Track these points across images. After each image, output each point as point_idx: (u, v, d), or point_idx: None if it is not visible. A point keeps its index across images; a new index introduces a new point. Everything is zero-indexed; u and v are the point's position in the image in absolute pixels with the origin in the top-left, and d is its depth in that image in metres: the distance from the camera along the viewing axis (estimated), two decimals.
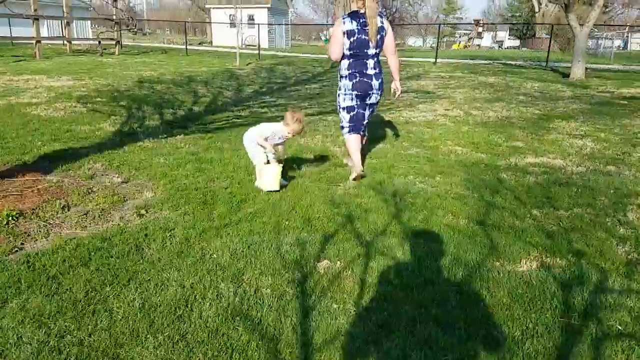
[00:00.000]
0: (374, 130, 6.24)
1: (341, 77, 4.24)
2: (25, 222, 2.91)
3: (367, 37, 4.01)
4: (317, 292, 2.38)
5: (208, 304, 2.24)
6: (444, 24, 30.91)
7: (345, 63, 4.16)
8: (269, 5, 33.31)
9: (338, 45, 4.07)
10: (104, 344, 1.92)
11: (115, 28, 19.73)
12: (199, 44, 34.94)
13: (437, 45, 19.70)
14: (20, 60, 14.68)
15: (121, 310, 2.15)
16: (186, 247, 2.76)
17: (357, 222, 3.24)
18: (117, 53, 19.04)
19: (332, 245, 2.88)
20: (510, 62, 20.02)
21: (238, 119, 6.98)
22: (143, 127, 6.05)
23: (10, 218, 2.86)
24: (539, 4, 40.51)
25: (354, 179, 4.11)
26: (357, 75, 4.13)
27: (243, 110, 7.70)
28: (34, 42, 15.98)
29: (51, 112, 6.61)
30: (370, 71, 4.17)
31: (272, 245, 2.83)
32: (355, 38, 4.02)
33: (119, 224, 3.00)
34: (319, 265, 2.64)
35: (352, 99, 4.23)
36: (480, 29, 51.84)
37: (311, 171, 4.39)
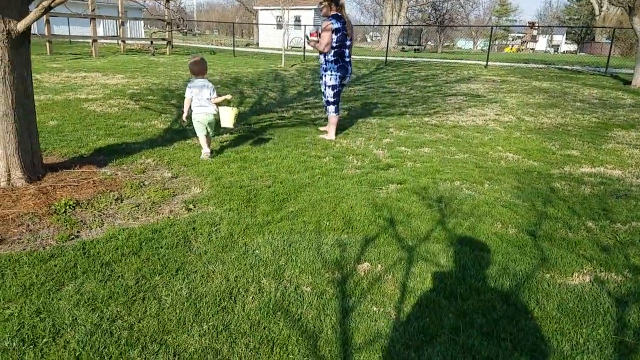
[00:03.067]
0: (419, 134, 6.17)
1: (327, 61, 5.58)
2: (82, 211, 3.06)
3: (345, 33, 5.47)
4: (357, 293, 2.37)
5: (251, 297, 2.28)
6: (496, 26, 30.07)
7: (331, 52, 5.50)
8: (315, 7, 33.54)
9: (329, 39, 5.40)
10: (152, 329, 1.99)
11: (167, 28, 20.41)
12: (246, 45, 35.63)
13: (489, 48, 19.18)
14: (78, 58, 15.44)
15: (169, 298, 2.23)
16: (230, 242, 2.83)
17: (400, 226, 3.21)
18: (168, 53, 19.70)
19: (373, 248, 2.87)
20: (566, 67, 19.27)
21: (281, 119, 7.06)
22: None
23: (67, 207, 3.02)
24: (600, 6, 38.79)
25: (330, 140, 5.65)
26: (340, 61, 5.56)
27: (287, 111, 7.79)
28: (90, 41, 16.77)
29: (106, 108, 6.92)
30: (347, 58, 5.65)
31: (312, 245, 2.85)
32: (339, 34, 5.42)
33: (168, 217, 3.11)
34: (359, 268, 2.64)
35: (336, 79, 5.64)
36: (534, 32, 50.23)
37: (352, 173, 4.39)
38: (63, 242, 2.66)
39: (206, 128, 4.62)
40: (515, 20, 59.61)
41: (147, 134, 5.57)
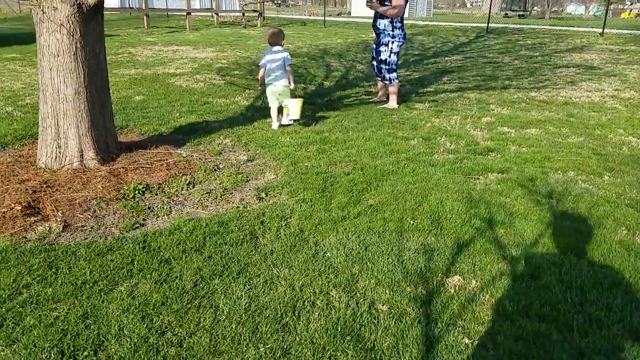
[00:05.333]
0: (525, 112, 5.40)
1: (395, 27, 5.43)
2: (151, 196, 2.93)
3: None
4: (445, 318, 1.96)
5: (317, 313, 1.97)
6: None
7: (399, 18, 5.40)
8: None
9: (404, 1, 5.29)
10: (202, 348, 1.75)
11: (258, 0, 20.45)
12: (338, 14, 34.97)
13: (606, 13, 16.79)
14: (173, 32, 15.98)
15: (226, 308, 1.98)
16: (300, 240, 2.52)
17: (500, 229, 2.70)
18: (259, 25, 19.78)
19: (465, 257, 2.41)
20: None
21: (367, 95, 6.60)
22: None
23: (137, 191, 2.90)
24: None
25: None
26: (403, 27, 5.53)
27: (374, 85, 7.28)
28: (184, 14, 17.27)
29: (192, 83, 6.92)
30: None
31: (392, 249, 2.45)
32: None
33: (237, 207, 2.87)
34: (449, 282, 2.20)
35: (400, 46, 5.57)
36: None
37: (444, 159, 3.86)
38: (126, 232, 2.53)
39: (277, 99, 4.66)
40: None
41: (229, 111, 5.43)
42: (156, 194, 2.95)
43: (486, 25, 18.02)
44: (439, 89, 7.07)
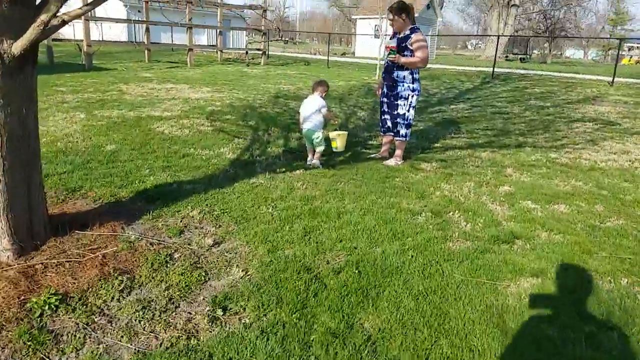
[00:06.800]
0: (547, 180, 4.65)
1: (415, 79, 4.94)
2: (65, 315, 2.13)
3: None
4: None
5: None
6: (623, 38, 26.33)
7: (416, 69, 4.91)
8: (416, 15, 31.87)
9: (427, 54, 4.81)
10: None
11: (263, 38, 20.22)
12: (342, 54, 35.02)
13: (616, 63, 16.28)
14: (173, 67, 15.55)
15: None
16: None
17: None
18: (262, 63, 19.45)
19: None
20: None
21: (367, 149, 5.92)
22: (263, 156, 5.32)
23: (47, 307, 2.12)
24: None
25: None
26: (419, 78, 5.01)
27: (375, 137, 6.62)
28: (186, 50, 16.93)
29: (176, 129, 6.25)
30: None
31: None
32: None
33: (178, 338, 2.07)
34: None
35: (417, 99, 5.08)
36: None
37: (461, 250, 3.10)
38: None
39: (311, 142, 4.91)
40: (632, 31, 52.43)
41: (209, 167, 4.73)
42: (73, 310, 2.15)
43: (491, 69, 17.61)
44: (446, 144, 6.39)
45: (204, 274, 2.60)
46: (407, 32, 4.87)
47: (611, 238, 3.37)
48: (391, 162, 5.15)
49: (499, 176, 4.84)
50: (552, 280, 2.72)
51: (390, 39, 5.14)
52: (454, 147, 6.16)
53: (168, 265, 2.65)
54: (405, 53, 4.84)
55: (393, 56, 4.86)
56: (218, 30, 19.74)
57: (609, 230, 3.53)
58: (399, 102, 5.01)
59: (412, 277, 2.69)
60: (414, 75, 4.95)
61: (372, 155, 5.49)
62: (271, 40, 22.29)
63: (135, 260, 2.61)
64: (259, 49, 21.20)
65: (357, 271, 2.70)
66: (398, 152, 5.19)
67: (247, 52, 20.20)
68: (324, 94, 4.97)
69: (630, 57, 43.73)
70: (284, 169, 4.77)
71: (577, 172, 5.11)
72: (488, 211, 3.83)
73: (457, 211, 3.80)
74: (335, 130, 5.14)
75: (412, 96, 5.00)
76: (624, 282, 2.74)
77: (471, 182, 4.61)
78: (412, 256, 2.95)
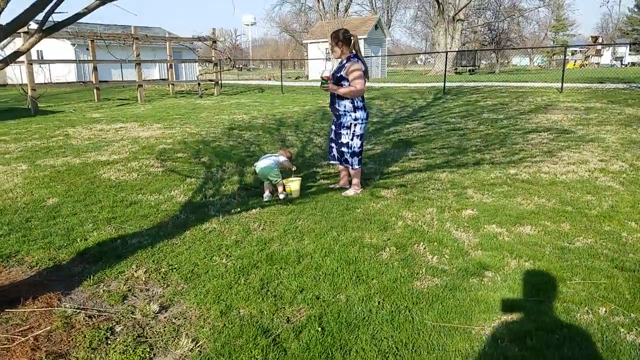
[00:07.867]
0: (509, 199, 4.56)
1: (357, 108, 4.79)
2: None
3: (367, 76, 4.78)
4: None
5: None
6: (567, 46, 27.55)
7: (359, 97, 4.78)
8: (365, 37, 32.55)
9: (363, 83, 4.69)
10: None
11: (214, 69, 20.00)
12: (296, 78, 35.22)
13: (563, 70, 16.70)
14: (124, 104, 15.07)
15: None
16: None
17: None
18: (216, 93, 19.18)
19: None
20: None
21: (326, 179, 5.74)
22: (217, 196, 5.04)
23: None
24: None
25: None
26: (365, 107, 4.88)
27: (332, 166, 6.44)
28: (136, 86, 16.49)
29: (124, 174, 5.89)
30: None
31: None
32: (365, 76, 4.73)
33: None
34: None
35: (363, 128, 4.92)
36: (599, 47, 46.87)
37: (429, 288, 2.91)
38: None
39: (268, 179, 4.92)
40: (574, 36, 55.62)
41: (158, 214, 4.41)
42: None
43: (442, 85, 17.94)
44: (405, 167, 6.29)
45: (148, 349, 2.29)
46: (344, 61, 4.77)
47: (582, 260, 3.27)
48: (350, 192, 4.99)
49: (461, 199, 4.74)
50: (528, 317, 2.55)
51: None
52: (413, 170, 6.06)
53: (109, 342, 2.33)
54: (343, 83, 4.72)
55: (325, 85, 4.75)
56: (168, 64, 19.38)
57: (579, 251, 3.43)
58: (342, 131, 4.89)
59: (381, 328, 2.46)
60: (355, 104, 4.78)
61: (331, 186, 5.32)
62: (224, 71, 22.07)
63: (72, 340, 2.28)
64: (211, 80, 20.94)
65: (320, 328, 2.45)
66: (355, 180, 5.05)
67: (199, 84, 19.89)
68: (286, 156, 5.20)
69: (575, 61, 45.91)
70: (239, 209, 4.51)
71: (538, 187, 5.08)
72: (453, 240, 3.68)
73: (421, 242, 3.64)
74: (291, 177, 5.10)
75: (355, 125, 4.84)
76: (602, 311, 2.60)
77: (433, 207, 4.47)
78: (378, 302, 2.73)
